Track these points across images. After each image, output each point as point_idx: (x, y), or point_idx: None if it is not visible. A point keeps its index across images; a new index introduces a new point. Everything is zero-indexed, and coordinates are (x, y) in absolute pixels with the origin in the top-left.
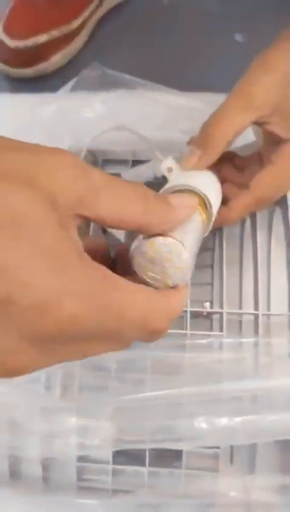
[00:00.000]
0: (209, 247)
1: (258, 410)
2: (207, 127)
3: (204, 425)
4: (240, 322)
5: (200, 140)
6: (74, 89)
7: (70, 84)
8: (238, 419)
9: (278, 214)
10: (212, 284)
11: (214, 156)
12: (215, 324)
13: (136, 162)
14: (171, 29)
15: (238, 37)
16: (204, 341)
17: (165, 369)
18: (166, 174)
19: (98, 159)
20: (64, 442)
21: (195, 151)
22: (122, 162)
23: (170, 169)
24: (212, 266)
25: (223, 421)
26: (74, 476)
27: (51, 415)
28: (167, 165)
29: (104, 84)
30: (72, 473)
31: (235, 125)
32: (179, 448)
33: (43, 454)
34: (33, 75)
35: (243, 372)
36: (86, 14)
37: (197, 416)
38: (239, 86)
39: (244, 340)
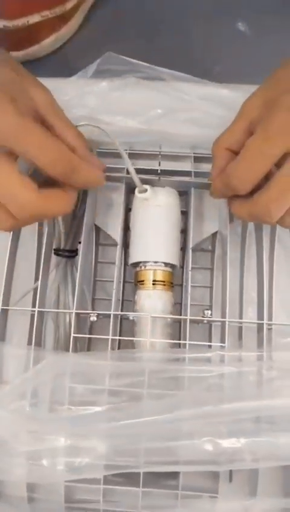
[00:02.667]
0: (209, 248)
1: (263, 431)
2: None
3: (205, 448)
4: (241, 328)
5: None
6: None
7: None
8: (243, 440)
9: None
10: (211, 288)
11: (216, 164)
12: (215, 330)
13: (132, 155)
14: (171, 16)
15: (240, 26)
16: (208, 355)
17: (163, 383)
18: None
19: (93, 150)
20: (52, 463)
21: None
22: (118, 155)
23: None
24: (211, 268)
25: (226, 443)
26: (62, 497)
27: (37, 434)
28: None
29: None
30: (60, 494)
31: (226, 133)
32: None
33: (29, 476)
34: (23, 59)
35: (247, 388)
36: None
37: (197, 438)
38: None
39: (248, 354)
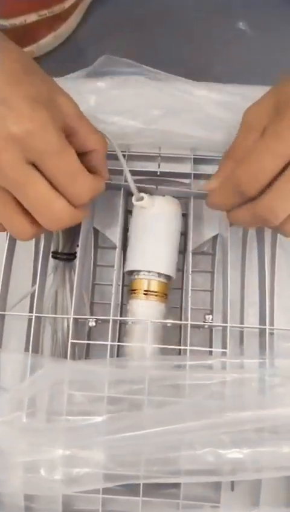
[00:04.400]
0: (209, 252)
1: (266, 440)
2: None
3: (206, 458)
4: (242, 333)
5: None
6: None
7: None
8: (245, 450)
9: None
10: (212, 291)
11: (221, 173)
12: (216, 334)
13: (131, 156)
14: (171, 14)
15: (241, 26)
16: (209, 362)
17: (164, 390)
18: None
19: None
20: (49, 475)
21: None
22: (117, 157)
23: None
24: (212, 272)
25: (228, 453)
26: (60, 506)
27: (35, 445)
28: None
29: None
30: (58, 503)
31: (239, 147)
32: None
33: (27, 487)
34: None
35: (249, 397)
36: None
37: (198, 447)
38: None
39: (250, 361)
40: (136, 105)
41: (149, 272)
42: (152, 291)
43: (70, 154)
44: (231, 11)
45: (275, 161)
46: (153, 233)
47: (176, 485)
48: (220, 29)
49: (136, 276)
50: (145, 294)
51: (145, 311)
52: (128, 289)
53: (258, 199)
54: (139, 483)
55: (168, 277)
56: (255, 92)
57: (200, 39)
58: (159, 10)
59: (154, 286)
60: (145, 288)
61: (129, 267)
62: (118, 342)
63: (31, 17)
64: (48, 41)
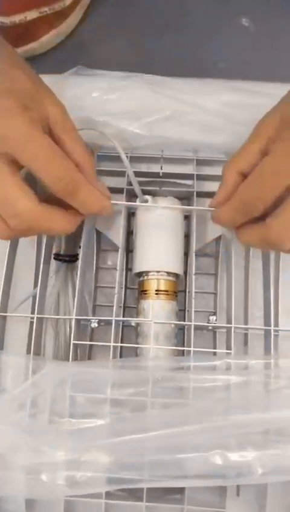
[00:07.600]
0: (212, 254)
1: (271, 442)
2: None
3: (211, 461)
4: (246, 335)
5: None
6: None
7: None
8: (251, 453)
9: None
10: (216, 294)
11: (225, 189)
12: (221, 337)
13: (134, 158)
14: (174, 11)
15: (244, 22)
16: (214, 363)
17: (168, 392)
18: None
19: (94, 154)
20: (51, 477)
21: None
22: (119, 158)
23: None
24: (215, 274)
25: (233, 456)
26: None
27: (37, 447)
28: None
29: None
30: (60, 509)
31: (240, 155)
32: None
33: (28, 491)
34: (21, 55)
35: (254, 399)
36: None
37: (203, 450)
38: None
39: (255, 362)
40: (136, 108)
41: (158, 271)
42: (163, 291)
43: (43, 141)
44: (234, 7)
45: (279, 181)
46: (159, 234)
47: (181, 491)
48: (223, 26)
49: (145, 277)
50: (156, 294)
51: (158, 310)
52: (138, 290)
53: (267, 223)
54: (143, 489)
55: (176, 275)
56: (259, 88)
57: (203, 35)
58: (160, 6)
59: (164, 285)
60: (156, 288)
61: (138, 268)
62: (124, 344)
63: (32, 14)
64: (49, 38)
